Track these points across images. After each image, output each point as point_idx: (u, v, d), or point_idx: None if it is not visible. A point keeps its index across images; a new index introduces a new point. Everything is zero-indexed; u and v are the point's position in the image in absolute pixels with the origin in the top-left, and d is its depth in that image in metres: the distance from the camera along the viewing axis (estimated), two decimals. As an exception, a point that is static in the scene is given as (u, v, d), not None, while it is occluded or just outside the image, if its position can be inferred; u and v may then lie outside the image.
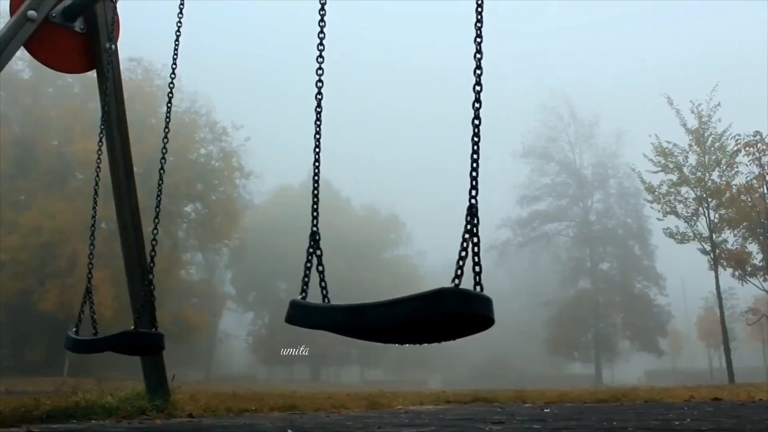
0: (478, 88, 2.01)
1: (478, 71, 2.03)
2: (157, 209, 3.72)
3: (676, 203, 23.12)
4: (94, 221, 4.04)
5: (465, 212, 1.85)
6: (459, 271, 1.77)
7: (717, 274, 22.12)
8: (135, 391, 4.58)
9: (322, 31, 2.58)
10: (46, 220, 28.93)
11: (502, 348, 56.27)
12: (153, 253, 3.65)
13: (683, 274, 53.91)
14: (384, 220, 58.17)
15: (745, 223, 22.33)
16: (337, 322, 1.97)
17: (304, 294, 2.16)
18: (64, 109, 32.25)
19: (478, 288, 1.79)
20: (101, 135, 4.24)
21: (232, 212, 38.49)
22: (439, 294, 1.70)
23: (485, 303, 1.76)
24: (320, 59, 2.55)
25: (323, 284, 2.20)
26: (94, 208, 4.08)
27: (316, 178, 2.48)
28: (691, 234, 22.83)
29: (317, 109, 2.52)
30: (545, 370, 54.61)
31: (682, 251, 25.00)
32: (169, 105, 3.95)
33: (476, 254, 1.82)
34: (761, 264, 22.44)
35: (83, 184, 29.15)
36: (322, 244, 2.28)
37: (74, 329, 3.76)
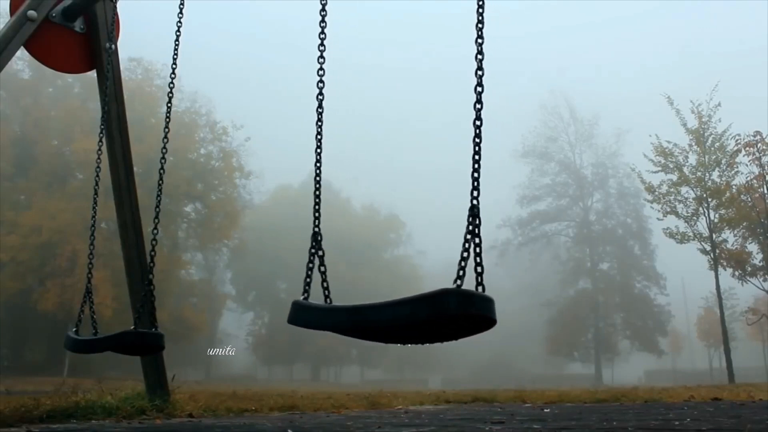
0: (479, 89, 1.99)
1: (480, 72, 2.01)
2: (157, 209, 3.72)
3: (676, 203, 23.09)
4: (94, 221, 4.04)
5: (467, 213, 1.84)
6: (461, 272, 1.75)
7: (717, 274, 22.09)
8: (135, 391, 4.58)
9: (323, 32, 2.57)
10: (46, 220, 28.95)
11: (502, 348, 56.31)
12: (153, 253, 3.65)
13: (683, 274, 53.98)
14: (384, 220, 58.20)
15: (745, 223, 22.31)
16: (339, 323, 1.96)
17: (306, 294, 2.14)
18: (64, 109, 32.25)
19: (480, 288, 1.78)
20: (101, 135, 4.24)
21: (232, 212, 38.51)
22: (441, 295, 1.68)
23: (487, 303, 1.74)
24: (321, 59, 2.52)
25: (325, 284, 2.19)
26: (94, 208, 4.09)
27: (317, 179, 2.45)
28: (691, 234, 22.81)
29: (318, 110, 2.50)
30: (545, 370, 54.61)
31: (682, 251, 25.01)
32: (169, 105, 3.95)
33: (478, 255, 1.80)
34: (761, 264, 22.41)
35: (83, 184, 29.17)
36: (322, 244, 2.27)
37: (74, 329, 3.76)
